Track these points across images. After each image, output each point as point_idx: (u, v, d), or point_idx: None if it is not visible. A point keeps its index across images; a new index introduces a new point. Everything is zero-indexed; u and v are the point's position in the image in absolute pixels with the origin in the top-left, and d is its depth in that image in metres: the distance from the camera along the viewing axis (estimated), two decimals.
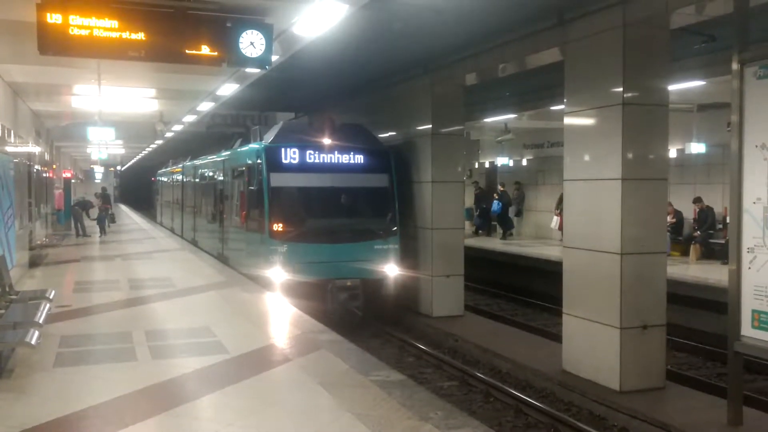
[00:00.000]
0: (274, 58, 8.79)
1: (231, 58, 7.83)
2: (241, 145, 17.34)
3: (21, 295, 9.88)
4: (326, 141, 13.90)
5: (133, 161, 56.26)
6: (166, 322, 10.08)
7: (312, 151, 13.79)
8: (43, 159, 22.07)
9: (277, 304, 11.43)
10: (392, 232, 14.12)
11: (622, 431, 8.46)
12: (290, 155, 13.66)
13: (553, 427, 8.69)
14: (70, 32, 7.10)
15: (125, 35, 7.29)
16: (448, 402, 6.53)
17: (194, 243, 22.71)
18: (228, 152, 18.16)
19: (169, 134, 25.77)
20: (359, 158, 14.14)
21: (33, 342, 7.04)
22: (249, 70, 11.01)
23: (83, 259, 18.72)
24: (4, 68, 12.47)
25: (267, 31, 7.82)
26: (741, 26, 7.56)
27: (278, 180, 13.58)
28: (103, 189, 31.15)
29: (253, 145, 14.88)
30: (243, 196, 15.12)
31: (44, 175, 23.14)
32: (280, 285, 12.96)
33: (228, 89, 14.30)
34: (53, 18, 7.03)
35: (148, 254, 20.13)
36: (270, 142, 13.95)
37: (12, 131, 14.09)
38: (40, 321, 8.00)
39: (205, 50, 7.62)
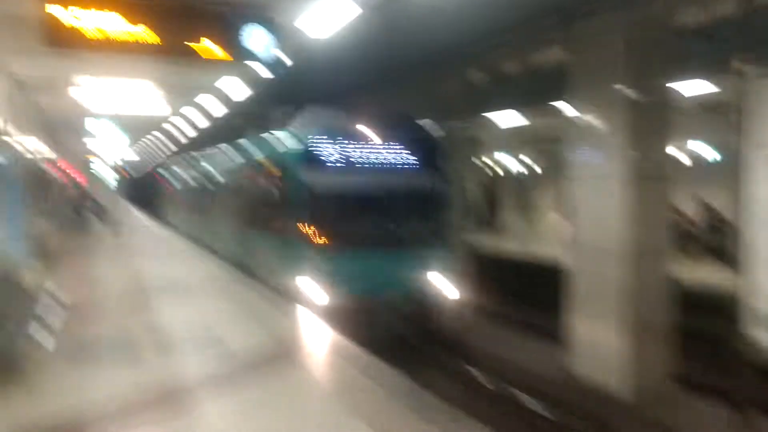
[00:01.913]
0: (279, 54, 8.76)
1: (234, 53, 7.80)
2: (261, 134, 15.29)
3: (32, 291, 9.83)
4: (367, 131, 12.07)
5: (136, 156, 56.25)
6: (173, 322, 10.02)
7: (350, 144, 11.90)
8: (46, 154, 22.07)
9: (285, 305, 11.40)
10: (446, 239, 12.38)
11: None
12: (330, 150, 11.76)
13: None
14: (74, 25, 7.07)
15: (128, 29, 7.28)
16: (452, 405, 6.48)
17: (209, 247, 20.21)
18: (247, 142, 15.94)
19: (170, 129, 25.77)
20: (407, 152, 12.23)
21: (41, 341, 7.01)
22: (253, 66, 10.98)
23: (90, 256, 18.69)
24: (6, 61, 12.45)
25: (272, 27, 7.79)
26: (744, 26, 7.53)
27: (315, 179, 11.64)
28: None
29: (284, 136, 12.92)
30: (273, 199, 13.12)
31: (48, 170, 23.13)
32: (319, 303, 11.03)
33: (230, 84, 14.27)
34: (56, 11, 7.01)
35: (154, 252, 20.11)
36: (306, 135, 11.94)
37: (14, 125, 14.07)
38: (48, 320, 7.96)
39: (207, 44, 7.59)
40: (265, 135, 14.32)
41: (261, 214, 13.71)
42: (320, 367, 7.51)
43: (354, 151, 11.85)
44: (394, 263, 11.57)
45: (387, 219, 11.99)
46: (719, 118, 16.44)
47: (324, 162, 11.68)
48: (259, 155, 14.31)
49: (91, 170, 56.51)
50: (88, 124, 20.36)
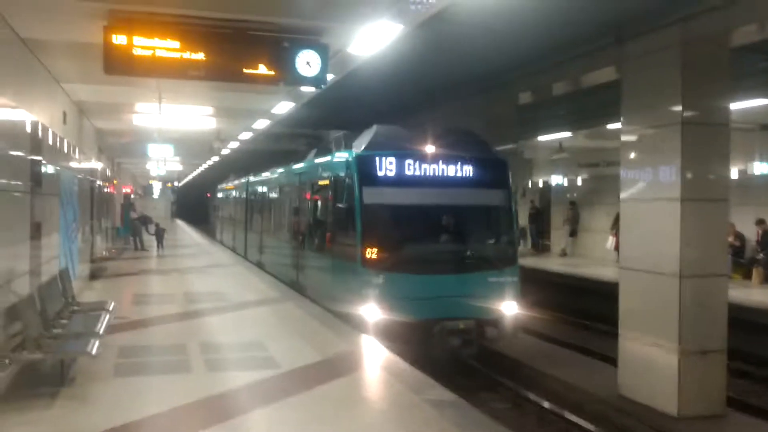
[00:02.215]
0: (329, 77, 8.93)
1: (287, 78, 7.98)
2: (319, 154, 15.18)
3: (82, 306, 10.18)
4: (430, 149, 11.54)
5: (190, 177, 57.50)
6: (220, 335, 10.24)
7: (414, 161, 11.34)
8: (104, 175, 22.77)
9: (330, 321, 11.49)
10: (513, 261, 11.69)
11: None
12: (387, 166, 11.20)
13: None
14: (134, 53, 7.36)
15: (186, 55, 7.52)
16: (500, 423, 6.44)
17: (260, 266, 20.46)
18: (305, 164, 15.93)
19: (225, 151, 26.29)
20: (471, 170, 11.61)
21: (93, 352, 7.25)
22: (304, 88, 11.19)
23: (141, 272, 19.18)
24: (70, 87, 12.95)
25: (323, 51, 7.95)
26: None
27: (373, 196, 11.17)
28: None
29: (341, 154, 12.46)
30: (327, 215, 12.94)
31: (105, 190, 23.86)
32: (374, 325, 10.53)
33: (283, 107, 14.54)
34: (119, 39, 7.30)
35: (203, 269, 20.53)
36: (363, 150, 11.61)
37: (77, 148, 14.60)
38: (100, 332, 8.23)
39: (262, 69, 7.79)
40: (324, 156, 14.09)
41: (320, 235, 13.21)
42: (370, 384, 7.53)
43: (417, 170, 11.38)
44: (458, 285, 10.98)
45: (451, 240, 11.54)
46: None
47: (386, 181, 11.24)
48: (317, 175, 14.02)
49: (150, 191, 58.01)
50: (148, 148, 20.94)
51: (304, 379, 7.77)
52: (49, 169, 10.61)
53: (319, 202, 13.63)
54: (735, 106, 10.79)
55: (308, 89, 11.20)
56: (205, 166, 40.21)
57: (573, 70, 11.45)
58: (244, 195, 25.32)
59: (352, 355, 9.01)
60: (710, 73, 8.96)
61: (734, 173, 17.34)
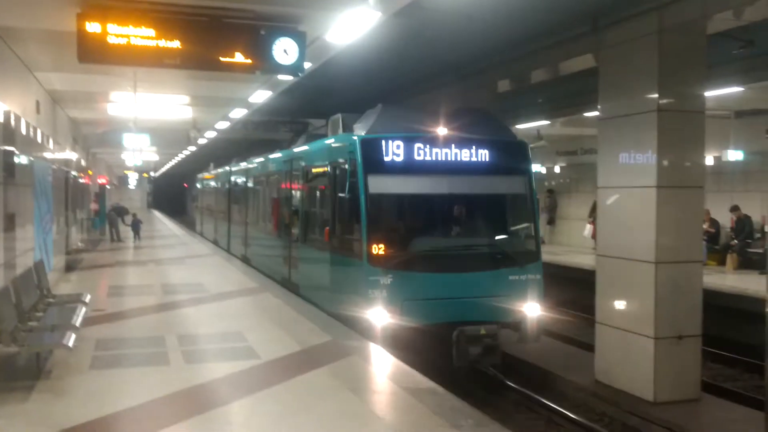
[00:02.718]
0: (307, 65, 8.85)
1: (264, 66, 7.90)
2: (311, 139, 14.07)
3: (58, 298, 10.08)
4: (443, 131, 10.28)
5: (166, 167, 57.00)
6: (198, 326, 10.19)
7: (425, 145, 10.07)
8: (79, 165, 22.48)
9: (308, 310, 11.48)
10: (536, 257, 10.41)
11: None
12: (395, 150, 9.91)
13: None
14: (109, 41, 7.25)
15: (161, 43, 7.42)
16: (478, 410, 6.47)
17: (245, 260, 19.22)
18: (296, 150, 14.30)
19: (202, 140, 26.07)
20: (488, 154, 10.36)
21: (70, 344, 7.18)
22: (282, 77, 11.10)
23: (117, 264, 19.01)
24: (44, 76, 12.75)
25: (300, 38, 7.88)
26: None
27: (379, 184, 9.95)
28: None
29: (341, 138, 11.19)
30: (325, 207, 11.55)
31: (80, 180, 23.57)
32: (382, 331, 9.35)
33: (261, 96, 14.43)
34: (92, 27, 7.18)
35: (181, 260, 20.39)
36: (367, 133, 10.29)
37: (50, 138, 14.38)
38: (77, 324, 8.15)
39: (239, 58, 7.72)
40: (319, 141, 12.80)
41: (317, 228, 11.94)
42: (349, 373, 7.53)
43: (428, 154, 10.09)
44: (476, 285, 9.82)
45: (468, 234, 10.55)
46: (757, 125, 16.24)
47: (394, 168, 10.00)
48: (312, 162, 12.60)
49: (126, 182, 57.42)
50: (124, 137, 20.70)
51: (284, 369, 7.76)
52: (22, 159, 10.45)
53: (316, 192, 12.27)
54: (710, 93, 10.89)
55: (286, 78, 11.11)
56: (181, 156, 39.86)
57: (551, 57, 11.47)
58: (226, 185, 23.97)
59: (331, 344, 9.00)
60: (686, 61, 9.02)
61: (709, 160, 17.56)
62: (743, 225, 17.02)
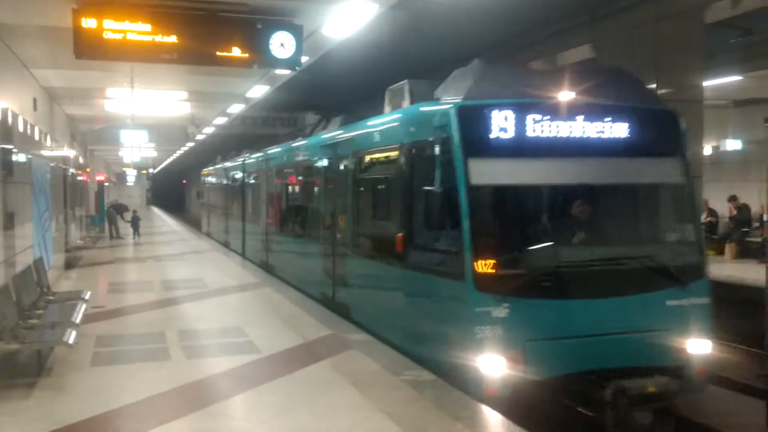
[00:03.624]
0: (304, 59, 8.84)
1: (261, 60, 7.90)
2: (350, 119, 11.25)
3: (58, 296, 10.07)
4: (570, 96, 7.35)
5: (165, 164, 56.99)
6: (198, 322, 10.18)
7: (549, 115, 7.07)
8: (77, 162, 22.47)
9: (308, 304, 11.47)
10: (699, 272, 7.41)
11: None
12: (507, 123, 6.91)
13: None
14: (105, 36, 7.24)
15: (158, 38, 7.41)
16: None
17: (268, 269, 15.94)
18: (345, 132, 10.75)
19: (200, 136, 26.05)
20: (634, 128, 7.33)
21: (70, 341, 7.18)
22: (279, 71, 11.09)
23: (117, 260, 19.00)
24: (40, 73, 12.72)
25: (297, 32, 7.88)
26: None
27: (487, 172, 6.95)
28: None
29: (424, 110, 7.90)
30: (395, 203, 8.36)
31: (78, 178, 23.55)
32: (499, 385, 6.49)
33: (258, 91, 14.40)
34: (88, 23, 7.18)
35: (180, 256, 20.39)
36: (465, 99, 7.18)
37: (48, 135, 14.36)
38: (77, 321, 8.15)
39: (236, 52, 7.71)
40: (382, 117, 9.49)
41: (381, 235, 8.79)
42: (350, 366, 7.53)
43: (555, 130, 7.08)
44: (627, 314, 6.92)
45: (611, 239, 7.70)
46: (755, 114, 16.23)
47: (508, 149, 6.97)
48: (371, 146, 9.33)
49: (124, 179, 57.39)
50: (121, 134, 20.68)
51: (285, 363, 7.76)
52: (20, 157, 10.43)
53: (377, 184, 9.18)
54: (708, 83, 10.88)
55: (283, 72, 11.09)
56: (180, 152, 39.84)
57: (549, 48, 11.46)
58: (239, 179, 20.46)
59: (332, 337, 9.00)
60: (684, 50, 9.02)
61: (707, 150, 17.56)
62: (742, 214, 17.03)
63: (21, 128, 10.63)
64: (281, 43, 7.83)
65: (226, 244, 23.00)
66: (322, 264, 11.37)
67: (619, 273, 7.10)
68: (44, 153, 13.64)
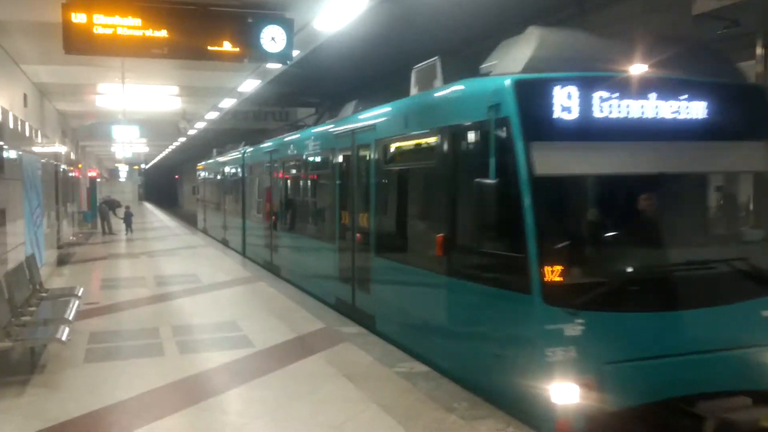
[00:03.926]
0: (295, 52, 8.82)
1: (252, 54, 7.88)
2: (363, 105, 10.18)
3: (50, 292, 10.05)
4: (642, 67, 6.40)
5: (157, 159, 56.81)
6: (192, 317, 10.18)
7: (623, 92, 5.96)
8: (68, 158, 22.38)
9: (302, 298, 11.48)
10: None
11: None
12: (576, 100, 5.78)
13: None
14: (95, 31, 7.20)
15: (148, 33, 7.38)
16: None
17: (273, 269, 14.92)
18: (366, 116, 9.38)
19: (191, 131, 25.97)
20: (720, 107, 6.28)
21: (63, 338, 7.17)
22: (270, 65, 11.06)
23: (110, 256, 18.96)
24: (31, 69, 12.65)
25: (288, 25, 7.85)
26: (765, 10, 7.42)
27: (555, 160, 5.78)
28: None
29: (471, 85, 6.74)
30: (433, 198, 7.39)
31: (70, 174, 23.46)
32: (575, 419, 5.42)
33: (250, 85, 14.37)
34: (78, 17, 7.13)
35: (173, 251, 20.35)
36: (523, 72, 6.13)
37: (39, 131, 14.29)
38: (70, 318, 8.13)
39: (227, 46, 7.68)
40: (408, 101, 8.34)
41: (416, 234, 7.79)
42: (343, 359, 7.55)
43: (630, 106, 5.94)
44: (718, 326, 5.85)
45: (698, 239, 6.65)
46: None
47: (577, 131, 5.81)
48: (403, 131, 8.09)
49: (116, 175, 57.20)
50: (113, 130, 20.61)
51: (279, 357, 7.78)
52: (10, 153, 10.38)
53: (412, 177, 7.97)
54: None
55: (274, 66, 11.07)
56: (172, 147, 39.71)
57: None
58: (238, 173, 19.38)
59: (325, 331, 9.02)
60: (672, 43, 9.02)
61: None
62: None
63: (11, 124, 10.58)
64: (272, 37, 7.81)
65: (224, 242, 22.01)
66: (338, 266, 10.31)
67: (711, 278, 6.04)
68: (35, 149, 13.58)
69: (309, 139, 12.28)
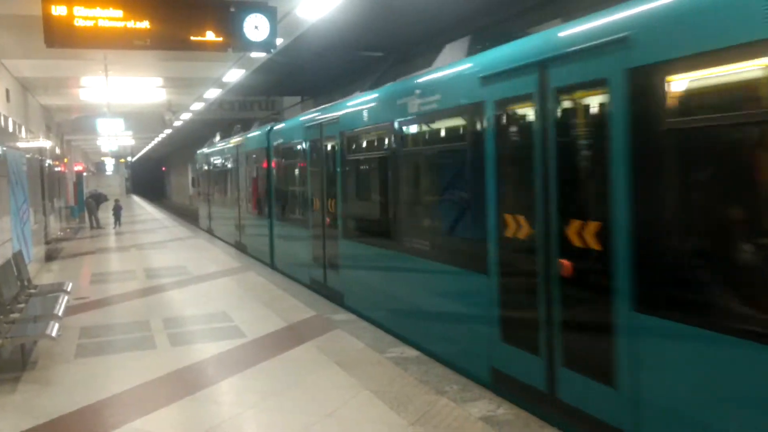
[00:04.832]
0: (279, 41, 8.78)
1: (236, 43, 7.82)
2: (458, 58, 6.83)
3: (39, 288, 10.00)
4: None
5: (143, 152, 56.50)
6: (183, 309, 10.18)
7: None
8: (54, 153, 22.21)
9: (292, 287, 11.50)
10: None
11: None
12: None
13: None
14: (76, 23, 7.13)
15: (130, 24, 7.31)
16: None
17: (334, 296, 10.16)
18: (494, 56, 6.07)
19: (177, 123, 25.84)
20: None
21: (54, 334, 7.15)
22: (254, 54, 11.01)
23: (99, 251, 18.89)
24: (12, 63, 12.53)
25: (271, 14, 7.80)
26: None
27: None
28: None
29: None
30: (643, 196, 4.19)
31: (56, 169, 23.30)
32: None
33: (234, 75, 14.30)
34: (58, 10, 7.06)
35: (162, 243, 20.30)
36: None
37: (23, 126, 14.17)
38: (60, 313, 8.10)
39: (210, 36, 7.63)
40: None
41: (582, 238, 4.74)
42: (334, 346, 7.58)
43: None
44: None
45: None
46: None
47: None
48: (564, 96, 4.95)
49: (103, 168, 56.86)
50: (98, 123, 20.47)
51: (270, 346, 7.80)
52: None
53: (583, 161, 4.91)
54: None
55: (258, 55, 11.02)
56: (158, 139, 39.50)
57: (521, 25, 11.44)
58: (261, 161, 14.61)
59: (316, 319, 9.04)
60: None
61: None
62: None
63: None
64: (255, 26, 7.76)
65: (239, 246, 17.47)
66: (430, 293, 7.18)
67: None
68: (20, 145, 13.47)
69: (411, 95, 7.39)
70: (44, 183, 18.23)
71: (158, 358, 7.48)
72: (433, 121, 7.18)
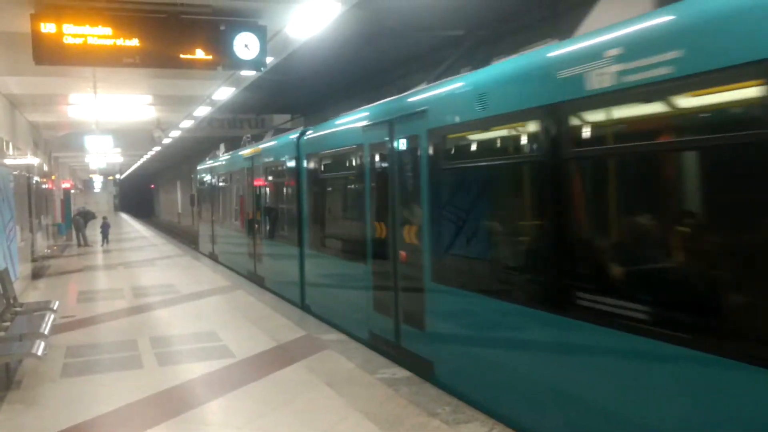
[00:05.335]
0: (269, 59, 8.78)
1: (226, 61, 7.82)
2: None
3: (25, 306, 9.89)
4: None
5: (132, 169, 56.30)
6: (171, 328, 10.08)
7: None
8: (41, 170, 22.08)
9: (281, 306, 11.42)
10: None
11: None
12: None
13: None
14: (65, 41, 7.10)
15: (119, 42, 7.30)
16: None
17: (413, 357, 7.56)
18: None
19: (166, 140, 25.77)
20: None
21: (39, 353, 7.05)
22: (244, 73, 11.00)
23: (86, 268, 18.73)
24: (0, 80, 12.47)
25: (261, 32, 7.81)
26: None
27: None
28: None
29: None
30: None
31: (43, 186, 23.14)
32: None
33: (224, 93, 14.29)
34: (47, 27, 7.03)
35: (151, 261, 20.15)
36: None
37: (10, 143, 14.08)
38: (46, 332, 8.01)
39: (199, 54, 7.62)
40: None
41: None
42: (325, 366, 7.52)
43: None
44: None
45: None
46: None
47: None
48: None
49: (91, 186, 56.60)
50: (86, 140, 20.38)
51: (259, 366, 7.72)
52: None
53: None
54: None
55: (248, 73, 11.02)
56: (147, 156, 39.38)
57: (512, 43, 11.52)
58: (287, 175, 12.26)
59: (306, 339, 8.98)
60: None
61: None
62: None
63: None
64: (245, 44, 7.76)
65: (254, 278, 14.73)
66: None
67: None
68: (7, 162, 13.37)
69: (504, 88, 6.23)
70: (31, 200, 18.09)
71: (145, 378, 7.39)
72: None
